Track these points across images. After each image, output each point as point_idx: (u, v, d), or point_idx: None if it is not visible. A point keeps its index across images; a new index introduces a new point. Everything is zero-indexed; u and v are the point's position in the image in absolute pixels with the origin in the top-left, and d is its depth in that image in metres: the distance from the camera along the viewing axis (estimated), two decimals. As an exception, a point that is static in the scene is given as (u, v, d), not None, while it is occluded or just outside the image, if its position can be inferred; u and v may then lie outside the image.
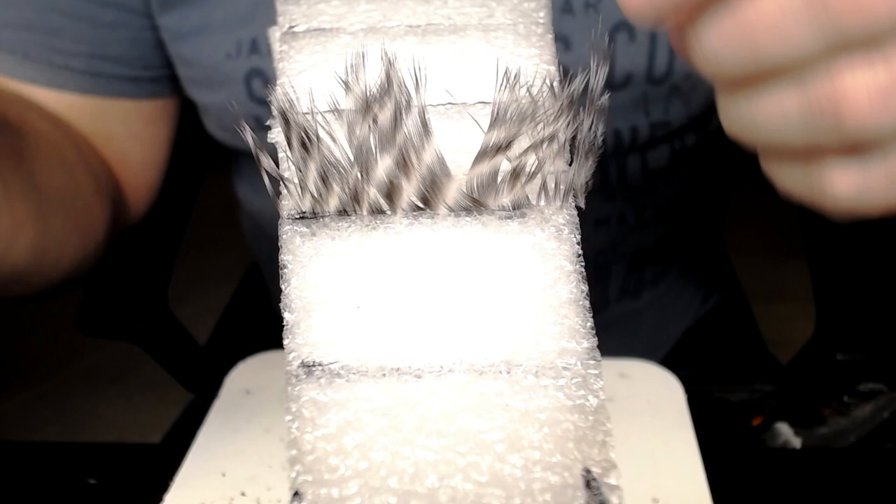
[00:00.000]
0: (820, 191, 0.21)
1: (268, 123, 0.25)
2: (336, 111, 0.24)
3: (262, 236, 0.64)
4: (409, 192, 0.24)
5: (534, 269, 0.23)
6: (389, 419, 0.21)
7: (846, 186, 0.21)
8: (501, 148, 0.23)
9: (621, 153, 0.51)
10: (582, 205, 0.25)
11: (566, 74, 0.24)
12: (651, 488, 0.37)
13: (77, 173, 0.44)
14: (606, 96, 0.23)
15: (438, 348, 0.22)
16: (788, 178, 0.22)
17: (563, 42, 0.45)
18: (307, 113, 0.23)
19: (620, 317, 0.60)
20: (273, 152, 0.25)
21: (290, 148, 0.24)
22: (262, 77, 0.48)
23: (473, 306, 0.23)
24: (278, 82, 0.27)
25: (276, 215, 0.25)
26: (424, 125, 0.23)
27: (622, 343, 0.61)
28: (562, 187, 0.24)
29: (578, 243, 0.24)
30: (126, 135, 0.51)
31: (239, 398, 0.45)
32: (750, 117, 0.21)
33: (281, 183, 0.24)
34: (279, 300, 0.23)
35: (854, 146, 0.20)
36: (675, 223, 0.60)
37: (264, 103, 0.48)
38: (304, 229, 0.24)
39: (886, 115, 0.19)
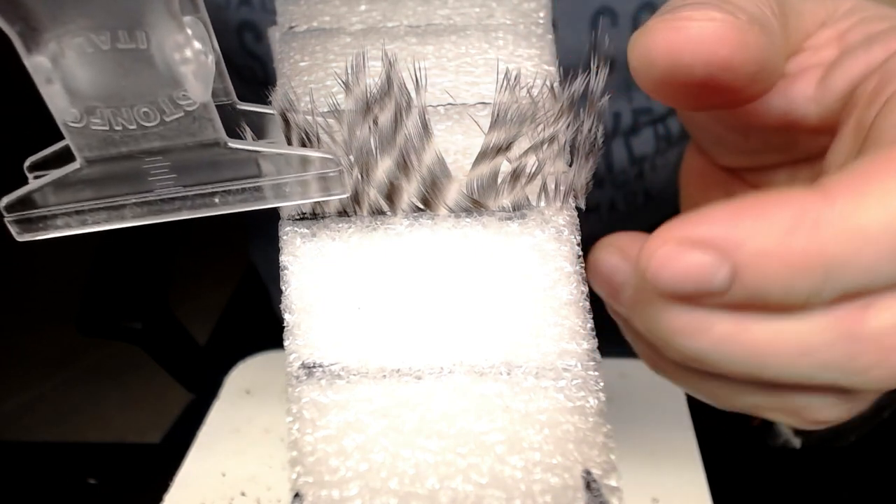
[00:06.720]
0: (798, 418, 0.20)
1: None
2: (336, 112, 0.24)
3: (259, 233, 0.64)
4: (410, 192, 0.24)
5: (534, 270, 0.23)
6: (390, 420, 0.21)
7: (829, 416, 0.20)
8: (502, 149, 0.23)
9: (605, 139, 0.51)
10: (582, 206, 0.25)
11: (566, 75, 0.24)
12: (651, 488, 0.37)
13: None
14: (607, 98, 0.23)
15: (439, 350, 0.22)
16: (760, 404, 0.20)
17: None
18: (307, 114, 0.23)
19: None
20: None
21: (290, 149, 0.23)
22: (253, 31, 0.47)
23: (473, 307, 0.23)
24: (278, 83, 0.27)
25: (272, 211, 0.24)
26: (425, 126, 0.23)
27: (618, 337, 0.61)
28: (562, 188, 0.24)
29: (579, 244, 0.24)
30: None
31: (239, 398, 0.45)
32: (752, 346, 0.17)
33: None
34: (277, 300, 0.23)
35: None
36: (668, 211, 0.59)
37: (256, 57, 0.48)
38: (305, 230, 0.24)
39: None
